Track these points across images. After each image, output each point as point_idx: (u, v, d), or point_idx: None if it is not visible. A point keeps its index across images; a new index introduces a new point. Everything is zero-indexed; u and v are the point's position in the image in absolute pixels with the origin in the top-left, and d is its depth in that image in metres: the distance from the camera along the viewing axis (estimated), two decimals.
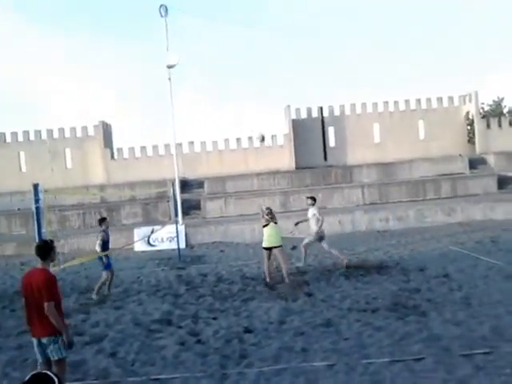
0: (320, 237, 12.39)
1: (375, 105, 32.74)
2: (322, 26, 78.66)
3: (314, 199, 12.84)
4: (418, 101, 32.76)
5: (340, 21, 77.74)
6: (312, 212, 12.50)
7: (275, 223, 11.08)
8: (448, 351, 6.12)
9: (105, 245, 10.74)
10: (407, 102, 32.78)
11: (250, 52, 76.49)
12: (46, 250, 5.21)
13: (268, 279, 10.92)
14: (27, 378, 2.53)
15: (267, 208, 11.40)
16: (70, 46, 78.27)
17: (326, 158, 32.30)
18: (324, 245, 12.47)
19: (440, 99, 32.73)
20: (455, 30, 75.79)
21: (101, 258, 10.81)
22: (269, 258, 11.00)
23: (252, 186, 27.97)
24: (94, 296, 10.63)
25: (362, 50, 78.35)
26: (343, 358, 6.21)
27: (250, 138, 31.85)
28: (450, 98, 32.83)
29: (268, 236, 10.94)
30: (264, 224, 11.03)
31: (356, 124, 32.32)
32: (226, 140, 31.95)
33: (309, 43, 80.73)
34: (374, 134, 32.66)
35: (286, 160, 31.14)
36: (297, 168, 30.81)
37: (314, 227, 12.33)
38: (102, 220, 11.23)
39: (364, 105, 32.76)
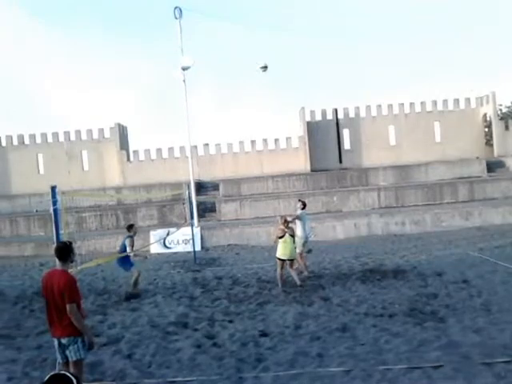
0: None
1: (390, 107, 32.53)
2: (337, 28, 78.48)
3: (304, 204, 12.50)
4: (434, 102, 32.46)
5: (354, 21, 77.46)
6: (298, 214, 12.33)
7: (291, 236, 10.97)
8: (467, 359, 6.02)
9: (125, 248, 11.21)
10: (423, 103, 32.50)
11: (264, 54, 76.55)
12: (65, 251, 5.27)
13: (281, 286, 10.83)
14: (46, 378, 2.56)
15: (282, 217, 11.29)
16: (85, 48, 79.23)
17: (341, 161, 32.18)
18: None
19: (457, 101, 32.41)
20: (472, 30, 74.98)
21: (127, 259, 11.18)
22: (282, 267, 10.96)
23: (267, 188, 27.98)
24: (130, 290, 11.05)
25: (377, 52, 77.90)
26: (360, 363, 6.15)
27: (265, 141, 31.87)
28: (467, 100, 32.49)
29: (283, 249, 10.85)
30: (280, 235, 10.92)
31: (371, 126, 32.14)
32: (241, 142, 32.02)
33: (324, 45, 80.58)
34: (389, 136, 32.46)
35: (300, 162, 31.08)
36: (312, 170, 30.73)
37: (298, 233, 12.03)
38: (131, 226, 11.67)
39: (379, 107, 32.56)
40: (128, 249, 11.07)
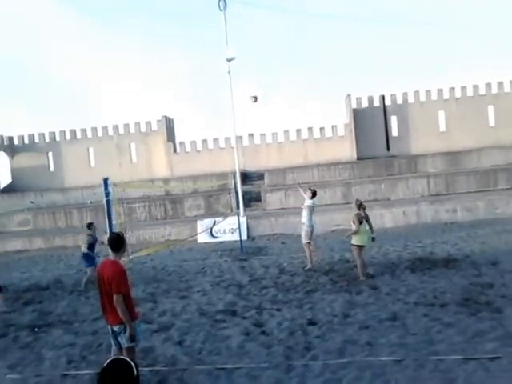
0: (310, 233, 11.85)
1: (440, 91, 31.41)
2: (383, 12, 76.28)
3: (314, 193, 12.12)
4: (488, 85, 31.06)
5: (400, 4, 75.03)
6: (306, 203, 12.03)
7: (366, 221, 10.35)
8: None
9: (91, 246, 11.89)
10: (475, 87, 31.18)
11: (309, 41, 75.63)
12: (118, 242, 5.43)
13: (362, 277, 10.19)
14: (106, 363, 2.61)
15: (357, 201, 10.57)
16: (131, 43, 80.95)
17: (388, 148, 31.46)
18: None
19: None
20: None
21: (87, 256, 11.83)
22: (361, 254, 10.34)
23: (312, 177, 27.76)
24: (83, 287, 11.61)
25: (425, 34, 75.22)
26: (411, 353, 6.02)
27: (310, 129, 31.59)
28: None
29: (363, 234, 10.24)
30: (360, 220, 10.18)
31: (420, 112, 31.20)
32: (286, 132, 31.89)
33: (368, 30, 78.62)
34: (439, 121, 31.42)
35: (346, 151, 30.64)
36: (358, 159, 30.23)
37: (304, 221, 11.85)
38: (90, 224, 12.37)
39: (428, 92, 31.52)
40: (83, 247, 11.81)
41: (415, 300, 8.33)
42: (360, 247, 10.27)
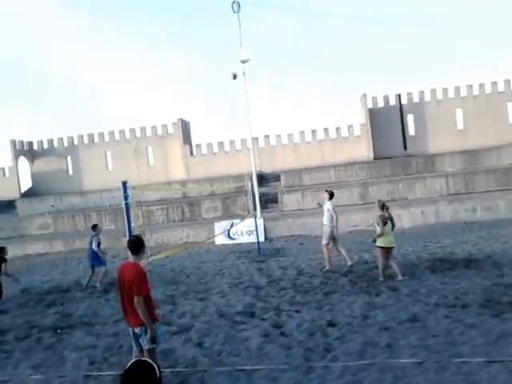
0: (332, 236, 11.82)
1: (457, 89, 31.03)
2: (397, 10, 75.64)
3: (331, 194, 12.10)
4: (507, 82, 30.58)
5: (416, 3, 74.32)
6: (326, 207, 11.95)
7: (391, 221, 10.12)
8: None
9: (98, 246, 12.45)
10: (494, 83, 30.71)
11: (323, 41, 75.39)
12: (138, 244, 5.49)
13: (382, 278, 10.09)
14: (128, 365, 2.64)
15: (380, 201, 10.36)
16: (146, 45, 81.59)
17: (405, 147, 31.19)
18: (335, 245, 11.99)
19: None
20: None
21: (96, 256, 12.31)
22: (386, 258, 10.13)
23: (329, 178, 27.66)
24: (98, 285, 12.15)
25: (441, 31, 74.39)
26: (432, 355, 5.95)
27: (326, 130, 31.47)
28: None
29: (388, 236, 9.99)
30: (385, 221, 10.00)
31: (437, 110, 30.86)
32: (302, 132, 31.83)
33: (383, 30, 78.03)
34: (456, 120, 31.03)
35: (363, 150, 30.46)
36: (375, 158, 30.02)
37: (325, 222, 11.83)
38: (95, 226, 12.80)
39: (445, 90, 31.17)
40: (93, 245, 12.21)
41: (436, 301, 8.23)
42: (384, 249, 10.05)
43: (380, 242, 10.04)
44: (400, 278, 9.96)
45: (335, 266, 11.96)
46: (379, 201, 10.47)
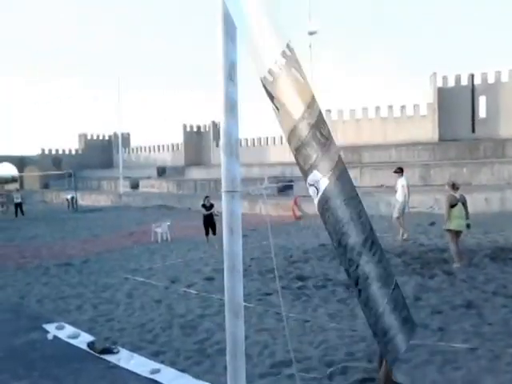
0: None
1: None
2: None
3: (401, 170, 12.96)
4: None
5: None
6: (401, 183, 12.62)
7: (462, 203, 9.52)
8: None
9: None
10: None
11: (392, 16, 72.27)
12: None
13: (458, 264, 9.52)
14: None
15: (451, 182, 9.84)
16: None
17: (473, 130, 29.69)
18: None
19: None
20: None
21: None
22: (456, 240, 9.64)
23: (390, 157, 26.96)
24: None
25: None
26: (486, 343, 5.75)
27: (390, 108, 30.48)
28: None
29: (458, 218, 9.45)
30: (453, 203, 9.44)
31: None
32: (364, 109, 31.02)
33: (457, 4, 73.56)
34: None
35: (428, 131, 29.31)
36: (440, 140, 28.82)
37: (399, 198, 12.48)
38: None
39: None
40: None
41: (494, 290, 7.90)
42: (452, 232, 9.54)
43: (447, 225, 9.56)
44: (456, 265, 9.58)
45: (389, 247, 11.73)
46: (449, 180, 10.13)
